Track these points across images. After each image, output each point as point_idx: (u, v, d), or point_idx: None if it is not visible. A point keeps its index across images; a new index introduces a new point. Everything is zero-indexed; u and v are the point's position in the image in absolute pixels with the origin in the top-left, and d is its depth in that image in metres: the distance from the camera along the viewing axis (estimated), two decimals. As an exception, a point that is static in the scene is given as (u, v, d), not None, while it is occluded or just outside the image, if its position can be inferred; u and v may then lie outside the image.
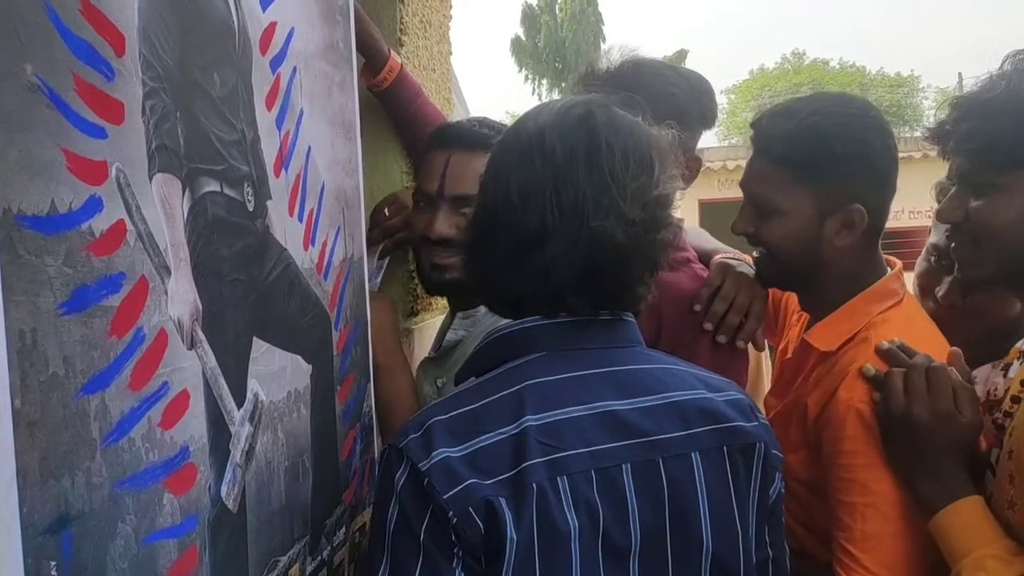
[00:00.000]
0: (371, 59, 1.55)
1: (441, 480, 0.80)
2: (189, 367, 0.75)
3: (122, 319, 0.65)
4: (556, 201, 0.88)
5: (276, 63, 0.96)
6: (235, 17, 0.86)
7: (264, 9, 0.93)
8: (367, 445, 1.22)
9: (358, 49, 1.50)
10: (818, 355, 1.37)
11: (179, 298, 0.73)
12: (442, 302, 1.79)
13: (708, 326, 1.41)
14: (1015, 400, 1.14)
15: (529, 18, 28.11)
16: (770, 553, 0.97)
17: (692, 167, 1.55)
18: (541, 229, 0.88)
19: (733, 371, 1.42)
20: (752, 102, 32.69)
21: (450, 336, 1.47)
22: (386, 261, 1.58)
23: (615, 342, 0.95)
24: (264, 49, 0.93)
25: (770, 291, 1.61)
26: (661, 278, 1.47)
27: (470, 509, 0.80)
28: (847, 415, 1.24)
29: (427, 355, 1.57)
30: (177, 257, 0.73)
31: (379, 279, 1.43)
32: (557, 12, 27.65)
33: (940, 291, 1.50)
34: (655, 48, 29.88)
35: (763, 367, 1.96)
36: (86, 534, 0.61)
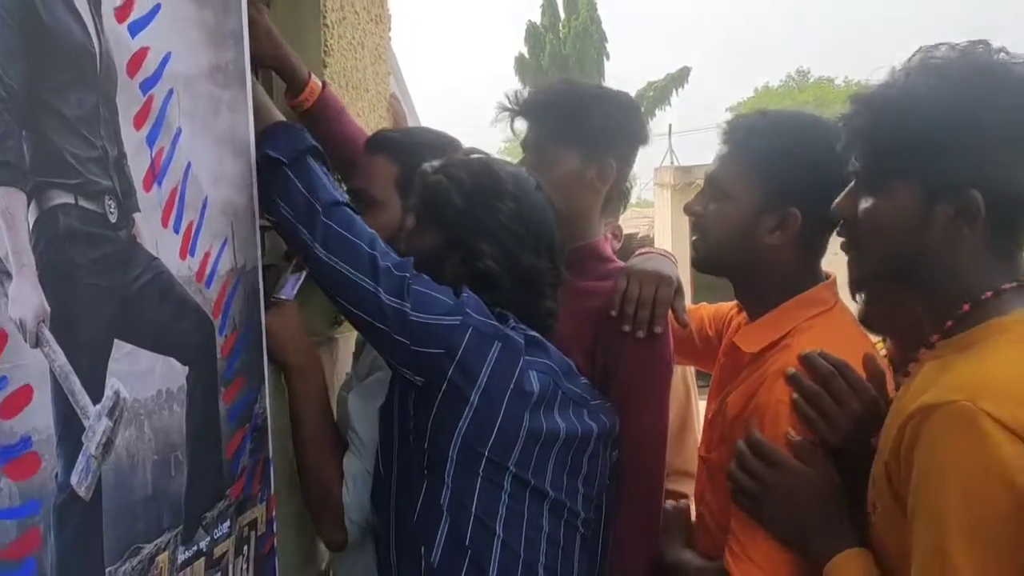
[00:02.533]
0: (289, 81, 1.62)
1: None
2: (32, 364, 0.82)
3: (-47, 317, 0.72)
4: None
5: (148, 85, 1.03)
6: (96, 42, 0.93)
7: (133, 35, 1.00)
8: (258, 445, 1.29)
9: (275, 71, 1.58)
10: (748, 357, 1.44)
11: (20, 300, 0.80)
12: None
13: (626, 328, 1.49)
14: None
15: (533, 36, 28.33)
16: None
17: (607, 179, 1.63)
18: None
19: (658, 363, 1.52)
20: (757, 119, 32.86)
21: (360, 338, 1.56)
22: (303, 273, 1.65)
23: None
24: (132, 72, 1.00)
25: (715, 316, 1.70)
26: (589, 287, 1.58)
27: None
28: (778, 412, 1.30)
29: None
30: (19, 263, 0.80)
31: (295, 290, 1.51)
32: (561, 30, 27.85)
33: None
34: (658, 66, 30.07)
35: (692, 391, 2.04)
36: (-95, 510, 0.68)
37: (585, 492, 1.37)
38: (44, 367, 0.84)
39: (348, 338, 1.83)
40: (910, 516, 1.01)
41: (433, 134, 1.67)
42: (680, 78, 28.77)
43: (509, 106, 1.64)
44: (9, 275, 0.79)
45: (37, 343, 0.83)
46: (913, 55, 1.13)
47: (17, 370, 0.80)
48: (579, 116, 1.60)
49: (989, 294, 1.07)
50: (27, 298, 0.81)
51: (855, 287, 1.30)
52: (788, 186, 1.38)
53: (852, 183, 1.19)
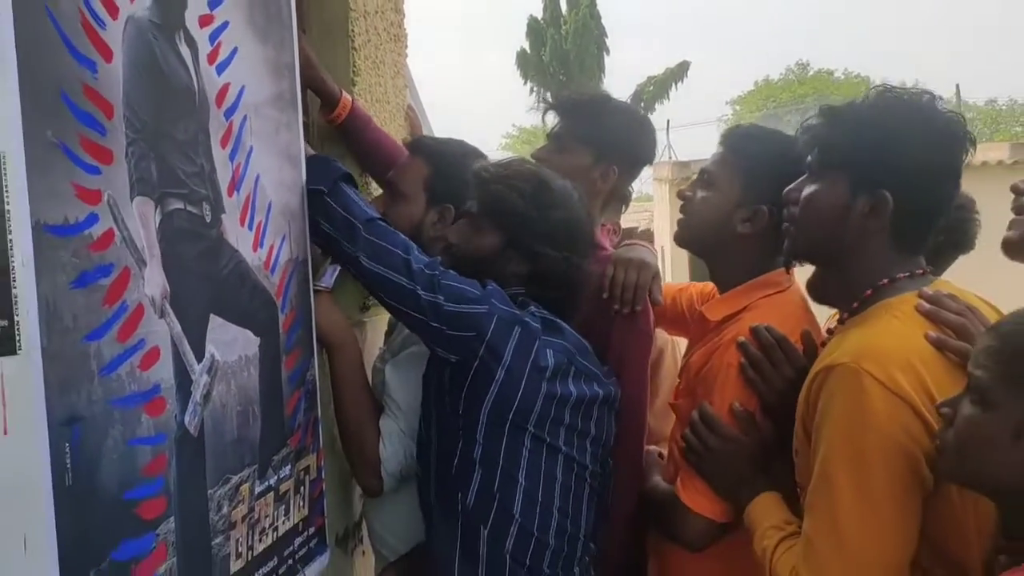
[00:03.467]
0: (325, 100, 1.90)
1: None
2: (160, 330, 1.08)
3: (112, 294, 0.99)
4: None
5: (229, 113, 1.30)
6: (195, 82, 1.20)
7: (219, 74, 1.27)
8: (311, 404, 1.56)
9: (314, 92, 1.85)
10: (712, 325, 1.71)
11: (152, 282, 1.07)
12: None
13: (616, 307, 1.78)
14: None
15: (534, 31, 28.55)
16: None
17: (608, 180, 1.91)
18: None
19: (639, 335, 1.81)
20: (757, 113, 33.07)
21: (391, 317, 1.85)
22: (338, 266, 1.92)
23: None
24: (219, 103, 1.27)
25: (701, 293, 1.98)
26: None
27: None
28: (728, 374, 1.59)
29: None
30: (151, 254, 1.07)
31: (332, 279, 1.77)
32: (562, 26, 28.06)
33: None
34: (657, 60, 30.15)
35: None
36: (88, 431, 0.94)
37: (592, 451, 1.63)
38: (167, 333, 1.10)
39: (375, 321, 2.10)
40: (812, 451, 1.29)
41: (464, 145, 1.95)
42: (679, 72, 28.96)
43: (548, 101, 1.96)
44: (145, 263, 1.06)
45: (162, 315, 1.09)
46: (871, 90, 1.42)
47: (151, 335, 1.07)
48: (601, 122, 1.92)
49: (885, 281, 1.35)
50: (156, 280, 1.08)
51: (787, 258, 1.57)
52: (763, 187, 1.65)
53: (805, 175, 1.46)
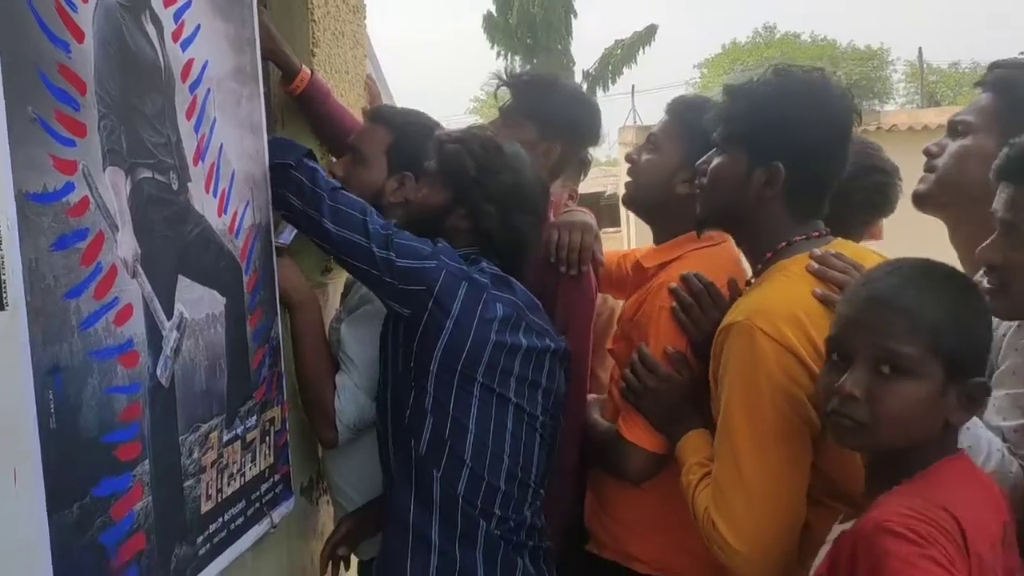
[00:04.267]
0: (285, 71, 1.98)
1: None
2: (132, 289, 1.18)
3: (88, 256, 1.08)
4: None
5: (194, 86, 1.39)
6: (161, 59, 1.29)
7: (184, 50, 1.36)
8: (275, 360, 1.67)
9: (274, 64, 1.94)
10: (648, 273, 1.86)
11: (124, 245, 1.16)
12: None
13: (561, 269, 1.91)
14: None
15: (501, -6, 28.28)
16: None
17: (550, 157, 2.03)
18: None
19: (583, 296, 1.95)
20: (724, 76, 33.22)
21: (348, 279, 1.96)
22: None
23: None
24: (184, 77, 1.36)
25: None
26: None
27: None
28: (660, 316, 1.72)
29: None
30: (123, 220, 1.16)
31: (291, 237, 1.86)
32: (529, -12, 27.81)
33: None
34: (625, 24, 30.03)
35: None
36: (70, 380, 1.04)
37: (543, 403, 1.75)
38: (139, 292, 1.20)
39: (335, 284, 2.20)
40: (716, 400, 1.44)
41: (424, 117, 2.06)
42: (647, 36, 28.87)
43: (501, 78, 2.07)
44: (117, 227, 1.15)
45: (134, 275, 1.19)
46: (769, 68, 1.55)
47: (124, 293, 1.16)
48: (547, 101, 2.03)
49: (784, 244, 1.49)
50: (127, 244, 1.18)
51: (698, 226, 1.70)
52: (701, 152, 1.77)
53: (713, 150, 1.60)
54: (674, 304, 1.70)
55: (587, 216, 2.02)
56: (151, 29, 1.26)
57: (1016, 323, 1.49)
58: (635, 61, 28.44)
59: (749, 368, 1.39)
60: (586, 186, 4.55)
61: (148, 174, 1.24)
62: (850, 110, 1.50)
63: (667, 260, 1.82)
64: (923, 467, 1.17)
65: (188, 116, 1.37)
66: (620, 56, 28.27)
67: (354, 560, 2.00)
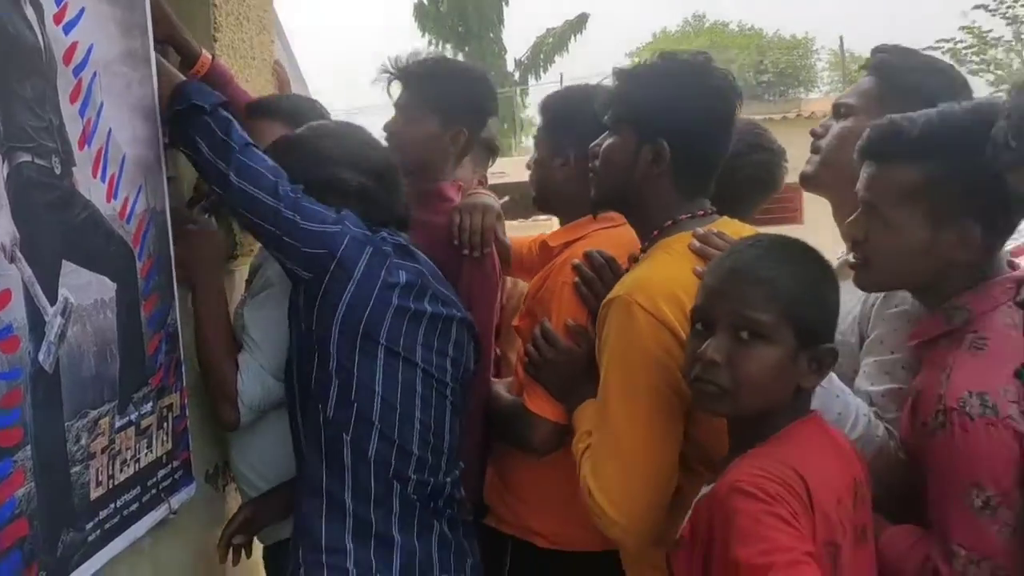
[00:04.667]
0: (184, 56, 1.96)
1: None
2: (10, 275, 1.17)
3: (-40, 241, 1.07)
4: None
5: (78, 70, 1.37)
6: (41, 41, 1.27)
7: (66, 33, 1.34)
8: (172, 347, 1.66)
9: (173, 48, 1.92)
10: (552, 252, 1.92)
11: (1, 230, 1.15)
12: (258, 247, 2.22)
13: (465, 251, 1.95)
14: None
15: (432, -19, 28.09)
16: None
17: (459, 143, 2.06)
18: None
19: (487, 277, 2.00)
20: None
21: (253, 262, 1.99)
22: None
23: None
24: (68, 61, 1.34)
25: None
26: (433, 221, 2.02)
27: None
28: (563, 291, 1.78)
29: None
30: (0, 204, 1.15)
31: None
32: (460, -25, 27.68)
33: None
34: (556, 12, 30.10)
35: None
36: (-59, 366, 1.03)
37: (453, 372, 1.77)
38: (18, 277, 1.19)
39: (241, 271, 2.19)
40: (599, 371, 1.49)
41: (304, 101, 2.05)
42: (578, 24, 29.03)
43: (390, 70, 2.03)
44: (-7, 212, 1.14)
45: (12, 260, 1.18)
46: (656, 54, 1.63)
47: (2, 278, 1.15)
48: (442, 87, 2.03)
49: (670, 223, 1.54)
50: (5, 228, 1.16)
51: (593, 207, 1.75)
52: (570, 137, 1.86)
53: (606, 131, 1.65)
54: (576, 279, 1.74)
55: (489, 198, 2.05)
56: (30, 12, 1.25)
57: (883, 294, 1.58)
58: (566, 49, 28.58)
59: (626, 341, 1.44)
60: (516, 175, 4.58)
61: (27, 158, 1.22)
62: (731, 92, 1.56)
63: (572, 239, 1.87)
64: (777, 430, 1.24)
65: (72, 100, 1.35)
66: (551, 44, 28.38)
67: (260, 546, 2.00)
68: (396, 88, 2.06)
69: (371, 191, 1.74)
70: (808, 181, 1.86)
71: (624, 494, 1.43)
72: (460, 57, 27.42)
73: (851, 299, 1.68)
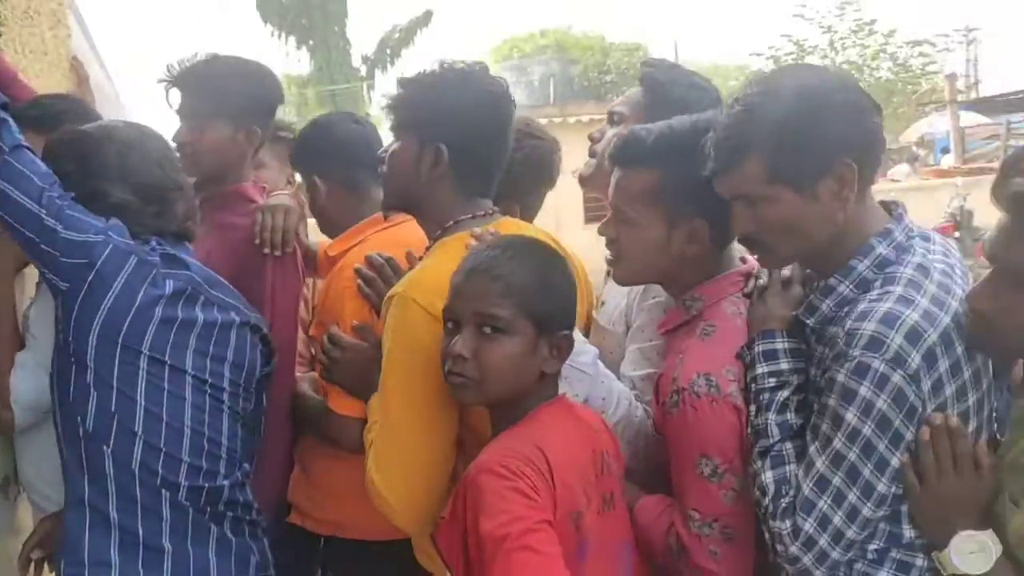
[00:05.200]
0: (-39, 50, 1.90)
1: None
2: None
3: None
4: None
5: None
6: None
7: None
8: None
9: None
10: (333, 260, 1.97)
11: None
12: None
13: (266, 250, 1.97)
14: None
15: (275, -28, 27.34)
16: None
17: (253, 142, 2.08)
18: None
19: (290, 277, 2.02)
20: (504, 63, 34.02)
21: None
22: None
23: None
24: None
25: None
26: (233, 222, 2.03)
27: None
28: (344, 295, 1.84)
29: None
30: None
31: None
32: (304, -33, 27.07)
33: None
34: (402, 11, 30.01)
35: None
36: None
37: (232, 376, 1.77)
38: None
39: (34, 273, 2.13)
40: None
41: (60, 104, 2.00)
42: (424, 20, 29.04)
43: (166, 77, 2.01)
44: None
45: None
46: (434, 63, 1.68)
47: None
48: (227, 89, 2.01)
49: (452, 223, 1.64)
50: None
51: (383, 210, 1.82)
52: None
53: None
54: (359, 281, 1.82)
55: (290, 199, 2.09)
56: None
57: (642, 288, 1.74)
58: (413, 42, 28.50)
59: (402, 335, 1.52)
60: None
61: None
62: (506, 98, 1.66)
63: (350, 246, 1.95)
64: (526, 413, 1.36)
65: None
66: (397, 40, 28.25)
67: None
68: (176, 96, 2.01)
69: (133, 208, 1.71)
70: (585, 181, 2.01)
71: (402, 481, 1.51)
72: (304, 51, 26.97)
73: (619, 293, 1.85)
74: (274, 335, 1.95)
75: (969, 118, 17.58)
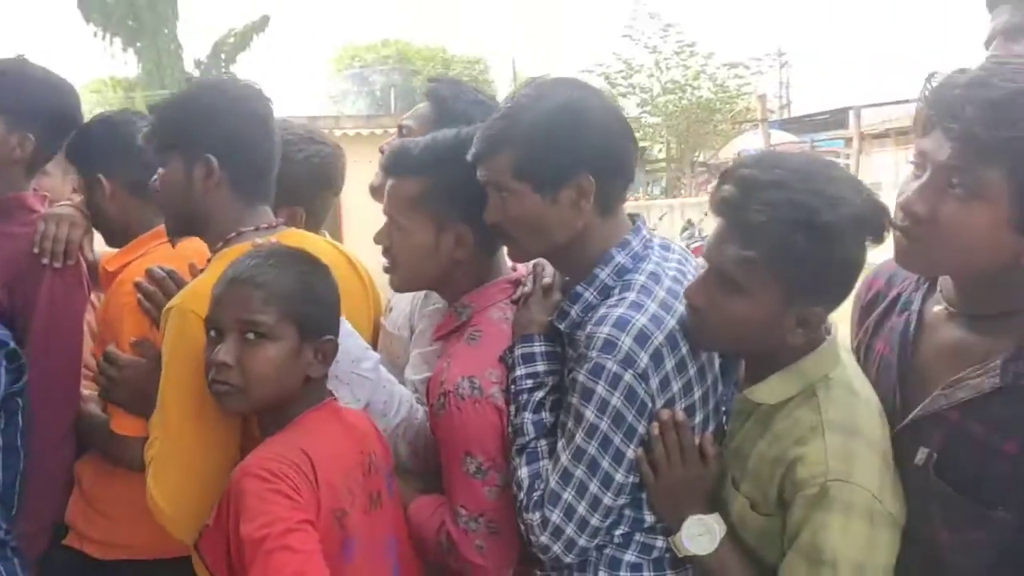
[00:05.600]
0: None
1: None
2: None
3: None
4: None
5: None
6: None
7: None
8: None
9: None
10: (113, 276, 1.90)
11: None
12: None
13: (45, 261, 1.91)
14: None
15: (100, -31, 25.88)
16: None
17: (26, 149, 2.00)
18: None
19: (74, 291, 1.96)
20: (345, 71, 33.64)
21: None
22: None
23: None
24: None
25: None
26: (11, 231, 1.94)
27: None
28: (123, 311, 1.80)
29: None
30: None
31: None
32: (131, -35, 25.77)
33: None
34: (237, 14, 29.16)
35: None
36: None
37: None
38: None
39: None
40: None
41: None
42: (260, 25, 28.27)
43: None
44: None
45: None
46: (185, 80, 1.75)
47: None
48: (6, 89, 1.96)
49: (233, 235, 1.66)
50: None
51: (169, 236, 1.79)
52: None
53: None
54: (139, 296, 1.79)
55: (75, 211, 2.02)
56: None
57: (424, 293, 1.81)
58: (249, 47, 27.70)
59: (181, 347, 1.52)
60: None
61: None
62: (261, 97, 1.69)
63: (130, 259, 1.90)
64: (294, 418, 1.40)
65: None
66: (234, 43, 27.38)
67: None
68: None
69: None
70: (375, 192, 2.06)
71: (181, 492, 1.50)
72: (131, 53, 25.65)
73: (404, 299, 1.91)
74: (53, 350, 1.89)
75: (779, 136, 18.96)
